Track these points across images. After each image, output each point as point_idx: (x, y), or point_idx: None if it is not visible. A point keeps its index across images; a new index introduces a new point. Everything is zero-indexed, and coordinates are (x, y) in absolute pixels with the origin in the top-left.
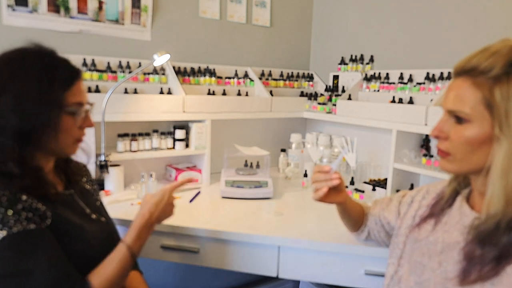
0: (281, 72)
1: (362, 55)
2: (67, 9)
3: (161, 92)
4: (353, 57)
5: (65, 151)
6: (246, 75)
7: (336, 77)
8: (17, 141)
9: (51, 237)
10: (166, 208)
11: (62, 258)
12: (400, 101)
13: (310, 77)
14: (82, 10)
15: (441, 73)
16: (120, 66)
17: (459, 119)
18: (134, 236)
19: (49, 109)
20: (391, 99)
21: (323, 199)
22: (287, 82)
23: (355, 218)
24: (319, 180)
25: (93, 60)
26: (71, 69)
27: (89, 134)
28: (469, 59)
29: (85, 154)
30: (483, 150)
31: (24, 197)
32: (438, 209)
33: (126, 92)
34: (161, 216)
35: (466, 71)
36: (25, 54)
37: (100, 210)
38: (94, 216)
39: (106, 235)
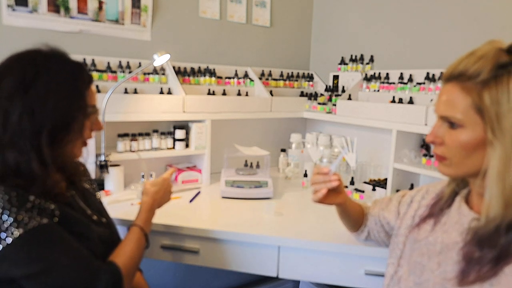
0: (281, 72)
1: (362, 55)
2: (67, 9)
3: (161, 92)
4: (353, 57)
5: (74, 153)
6: (246, 75)
7: (336, 77)
8: (46, 140)
9: (63, 230)
10: (165, 195)
11: (81, 247)
12: (400, 101)
13: (310, 77)
14: (82, 10)
15: (441, 73)
16: (120, 66)
17: (452, 124)
18: (143, 219)
19: (78, 107)
20: (391, 99)
21: (323, 200)
22: (287, 82)
23: (355, 219)
24: (318, 182)
25: (93, 60)
26: (88, 74)
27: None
28: (456, 64)
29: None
30: (478, 153)
31: (32, 198)
32: (437, 209)
33: (126, 92)
34: (162, 202)
35: (455, 77)
36: (48, 55)
37: (101, 210)
38: (95, 217)
39: (107, 236)
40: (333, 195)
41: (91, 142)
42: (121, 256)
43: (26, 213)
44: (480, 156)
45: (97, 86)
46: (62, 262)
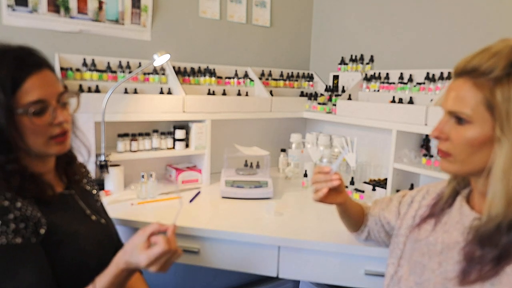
0: (281, 72)
1: (362, 55)
2: (67, 9)
3: (161, 92)
4: (353, 57)
5: (46, 151)
6: (246, 75)
7: (336, 77)
8: None
9: (38, 252)
10: (160, 265)
11: (43, 278)
12: (400, 101)
13: (310, 77)
14: (82, 10)
15: (441, 73)
16: (120, 66)
17: (460, 120)
18: (106, 284)
19: None
20: (391, 99)
21: (323, 200)
22: (287, 82)
23: (355, 218)
24: (319, 181)
25: (93, 60)
26: (20, 66)
27: (89, 134)
28: (470, 60)
29: (85, 149)
30: (484, 151)
31: (19, 204)
32: (438, 209)
33: (126, 92)
34: (144, 267)
35: (467, 72)
36: None
37: (100, 211)
38: (94, 217)
39: (105, 237)
40: (334, 195)
41: (91, 142)
42: None
43: (1, 226)
44: (485, 154)
45: (97, 86)
46: None
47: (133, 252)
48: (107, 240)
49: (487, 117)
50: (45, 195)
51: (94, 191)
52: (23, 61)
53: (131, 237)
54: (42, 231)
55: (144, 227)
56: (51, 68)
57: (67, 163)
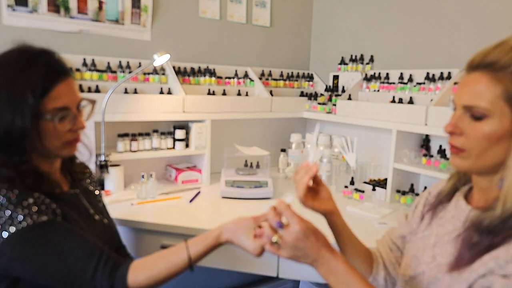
0: (281, 72)
1: (362, 55)
2: (67, 9)
3: (161, 92)
4: (353, 57)
5: (58, 154)
6: (246, 75)
7: (336, 77)
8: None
9: (68, 225)
10: (248, 242)
11: (90, 245)
12: (400, 101)
13: (310, 77)
14: (82, 10)
15: (441, 73)
16: (120, 66)
17: (476, 114)
18: (199, 252)
19: (22, 117)
20: (391, 99)
21: (308, 201)
22: (287, 82)
23: (354, 247)
24: (299, 174)
25: (93, 60)
26: (50, 73)
27: (89, 134)
28: (486, 53)
29: (87, 150)
30: (500, 145)
31: (36, 194)
32: (437, 203)
33: (126, 92)
34: (233, 242)
35: (484, 66)
36: (3, 59)
37: (103, 212)
38: (97, 217)
39: (108, 237)
40: (319, 199)
41: (91, 142)
42: (143, 270)
43: (22, 211)
44: (501, 148)
45: (97, 86)
46: (66, 253)
47: (241, 236)
48: (110, 240)
49: (506, 110)
50: (54, 193)
51: (97, 192)
52: (53, 68)
53: (238, 219)
54: (59, 218)
55: (257, 215)
56: (73, 76)
57: (70, 160)
